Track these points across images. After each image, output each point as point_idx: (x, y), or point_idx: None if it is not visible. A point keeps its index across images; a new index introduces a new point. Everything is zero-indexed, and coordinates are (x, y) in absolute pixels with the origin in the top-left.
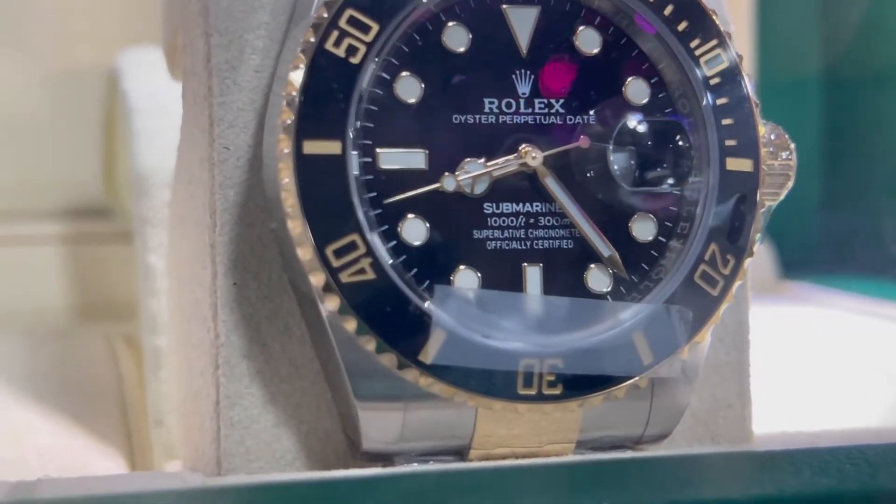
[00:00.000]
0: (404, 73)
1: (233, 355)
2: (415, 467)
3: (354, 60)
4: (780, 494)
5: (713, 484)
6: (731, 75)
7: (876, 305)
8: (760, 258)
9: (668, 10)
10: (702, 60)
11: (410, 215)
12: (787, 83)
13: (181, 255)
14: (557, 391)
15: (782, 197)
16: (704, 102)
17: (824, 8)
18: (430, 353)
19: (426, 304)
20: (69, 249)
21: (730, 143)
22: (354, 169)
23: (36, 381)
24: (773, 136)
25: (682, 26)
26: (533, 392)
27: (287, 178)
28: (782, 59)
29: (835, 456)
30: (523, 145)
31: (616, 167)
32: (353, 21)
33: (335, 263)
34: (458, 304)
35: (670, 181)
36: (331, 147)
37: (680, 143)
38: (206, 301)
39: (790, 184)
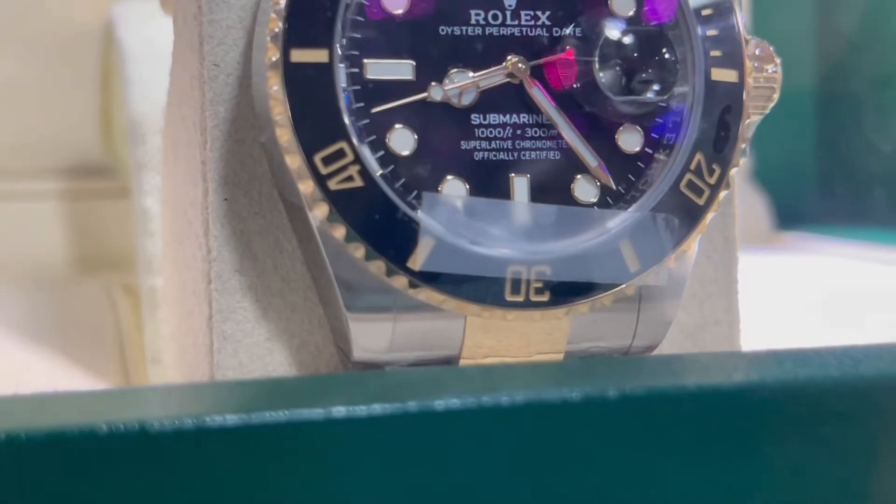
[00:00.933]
0: None
1: (224, 270)
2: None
3: None
4: (762, 382)
5: (697, 375)
6: None
7: (871, 250)
8: (755, 210)
9: None
10: None
11: (398, 125)
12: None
13: (175, 178)
14: (545, 298)
15: (767, 110)
16: (689, 13)
17: None
18: (418, 260)
19: (414, 212)
20: (69, 205)
21: (715, 53)
22: (342, 78)
23: (35, 327)
24: (758, 51)
25: None
26: (520, 299)
27: (276, 87)
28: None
29: (818, 353)
30: (510, 56)
31: (602, 78)
32: None
33: (323, 171)
34: (446, 211)
35: (656, 92)
36: (318, 56)
37: (665, 54)
38: (199, 218)
39: (776, 96)
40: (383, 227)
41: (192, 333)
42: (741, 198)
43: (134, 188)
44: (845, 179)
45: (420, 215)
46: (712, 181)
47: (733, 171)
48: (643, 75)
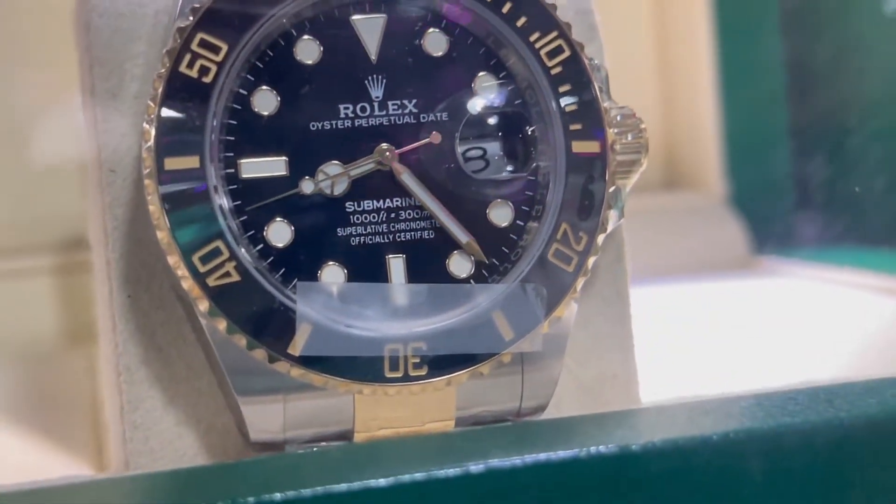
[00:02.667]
0: (261, 88)
1: (132, 362)
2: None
3: (207, 80)
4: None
5: (588, 439)
6: (574, 64)
7: (847, 274)
8: (732, 235)
9: (506, 7)
10: (542, 52)
11: (276, 219)
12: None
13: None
14: (423, 371)
15: (636, 176)
16: (548, 92)
17: None
18: (297, 346)
19: (291, 301)
20: (59, 280)
21: (574, 127)
22: (216, 181)
23: (15, 403)
24: (619, 118)
25: (520, 22)
26: (399, 374)
27: (152, 194)
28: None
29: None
30: (379, 145)
31: (468, 159)
32: (203, 43)
33: (202, 269)
34: (323, 298)
35: (521, 168)
36: (190, 162)
37: (528, 131)
38: (107, 314)
39: (643, 160)
40: (262, 317)
41: (110, 421)
42: (718, 223)
43: None
44: (822, 203)
45: (297, 303)
46: (580, 248)
47: (600, 238)
48: (506, 153)
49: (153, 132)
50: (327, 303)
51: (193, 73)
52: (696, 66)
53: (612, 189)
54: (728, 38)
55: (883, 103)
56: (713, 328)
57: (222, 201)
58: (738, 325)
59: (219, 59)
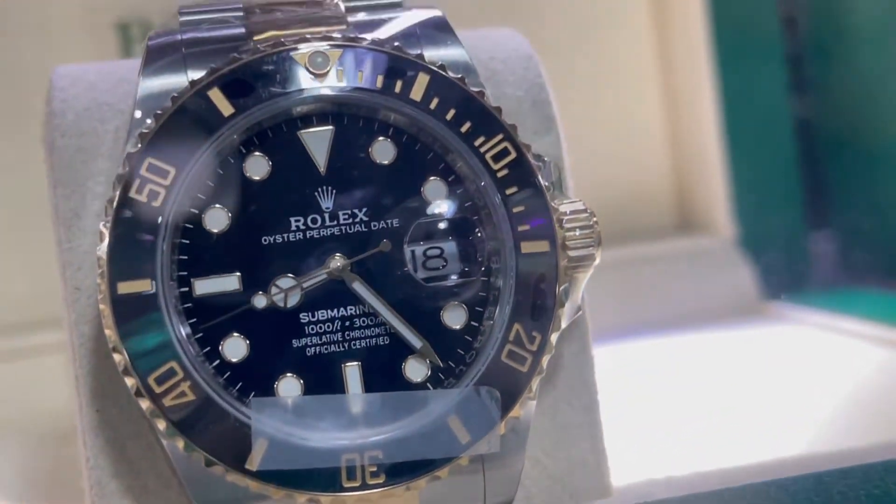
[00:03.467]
0: (213, 206)
1: (102, 476)
2: None
3: (156, 203)
4: None
5: None
6: (519, 165)
7: (856, 323)
8: (741, 279)
9: (450, 114)
10: (487, 156)
11: (232, 334)
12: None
13: None
14: (381, 479)
15: (591, 269)
16: (495, 194)
17: None
18: (255, 461)
19: (247, 416)
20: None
21: (523, 228)
22: (170, 301)
23: (26, 483)
24: (568, 213)
25: (465, 127)
26: (357, 483)
27: (107, 317)
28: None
29: None
30: (332, 255)
31: (418, 264)
32: (152, 168)
33: (157, 390)
34: (278, 412)
35: (473, 270)
36: (142, 285)
37: (478, 233)
38: (78, 428)
39: (597, 254)
40: (219, 434)
41: None
42: (727, 267)
43: None
44: (832, 246)
45: (252, 418)
46: (534, 348)
47: (554, 336)
48: (457, 255)
49: (105, 258)
50: (283, 416)
51: (143, 198)
52: (702, 110)
53: (563, 287)
54: (730, 76)
55: None
56: (702, 392)
57: (176, 321)
58: (732, 384)
59: (167, 182)
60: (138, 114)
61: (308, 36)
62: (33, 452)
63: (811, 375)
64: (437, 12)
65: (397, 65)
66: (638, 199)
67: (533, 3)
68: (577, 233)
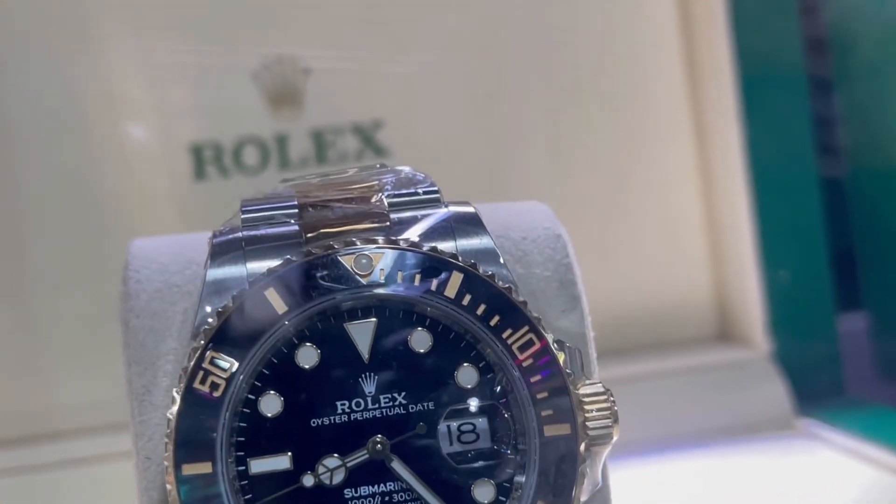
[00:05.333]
0: (267, 392)
1: None
2: None
3: (217, 394)
4: None
5: None
6: (543, 355)
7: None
8: (775, 394)
9: (481, 309)
10: (514, 347)
11: None
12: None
13: None
14: None
15: (610, 445)
16: (520, 382)
17: None
18: None
19: None
20: None
21: (546, 413)
22: (227, 480)
23: None
24: (589, 393)
25: (493, 321)
26: None
27: (173, 495)
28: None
29: None
30: (373, 437)
31: (453, 438)
32: (213, 361)
33: None
34: None
35: (501, 450)
36: (203, 468)
37: (505, 416)
38: None
39: (615, 431)
40: None
41: None
42: (761, 380)
43: None
44: (866, 363)
45: None
46: None
47: None
48: (487, 434)
49: (171, 445)
50: None
51: (206, 388)
52: (741, 229)
53: (582, 466)
54: (767, 199)
55: None
56: None
57: (234, 498)
58: None
59: (227, 375)
60: (207, 308)
61: (354, 240)
62: None
63: None
64: (470, 209)
65: (433, 264)
66: (677, 310)
67: (583, 114)
68: (595, 413)
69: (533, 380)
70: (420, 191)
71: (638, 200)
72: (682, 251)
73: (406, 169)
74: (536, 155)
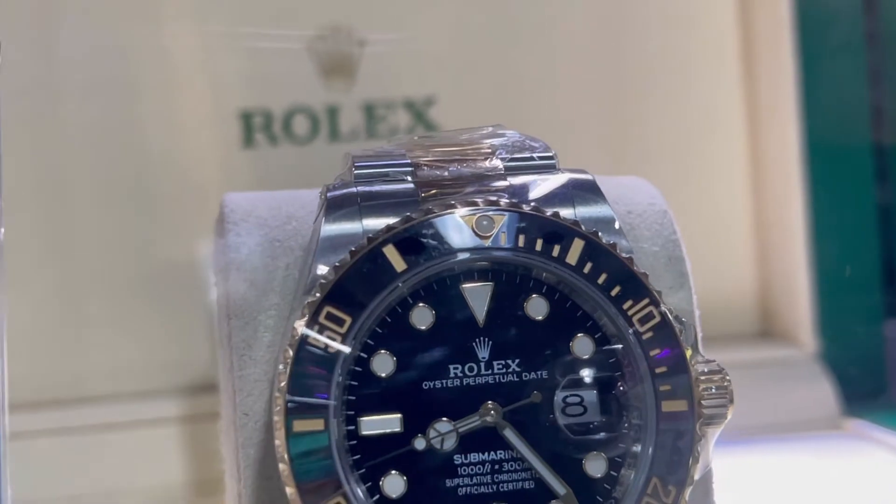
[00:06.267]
0: (380, 352)
1: None
2: None
3: (332, 349)
4: None
5: None
6: (663, 328)
7: None
8: (821, 394)
9: (602, 278)
10: (634, 319)
11: (391, 472)
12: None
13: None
14: None
15: (723, 424)
16: (640, 355)
17: None
18: None
19: None
20: (187, 427)
21: (664, 387)
22: (338, 438)
23: None
24: (706, 372)
25: (614, 291)
26: None
27: (282, 451)
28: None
29: None
30: (485, 403)
31: (566, 415)
32: (329, 316)
33: None
34: None
35: (615, 423)
36: (315, 424)
37: (621, 389)
38: None
39: (729, 411)
40: None
41: None
42: (808, 380)
43: None
44: None
45: None
46: (668, 501)
47: (688, 491)
48: (601, 409)
49: (282, 399)
50: None
51: (320, 344)
52: (792, 226)
53: (699, 444)
54: (821, 195)
55: None
56: None
57: (343, 458)
58: None
59: (343, 330)
60: (321, 263)
61: (477, 200)
62: None
63: None
64: (588, 176)
65: (555, 230)
66: (720, 305)
67: (637, 107)
68: (713, 390)
69: (653, 353)
70: (535, 156)
71: (688, 195)
72: (729, 247)
73: (514, 133)
74: (589, 147)
